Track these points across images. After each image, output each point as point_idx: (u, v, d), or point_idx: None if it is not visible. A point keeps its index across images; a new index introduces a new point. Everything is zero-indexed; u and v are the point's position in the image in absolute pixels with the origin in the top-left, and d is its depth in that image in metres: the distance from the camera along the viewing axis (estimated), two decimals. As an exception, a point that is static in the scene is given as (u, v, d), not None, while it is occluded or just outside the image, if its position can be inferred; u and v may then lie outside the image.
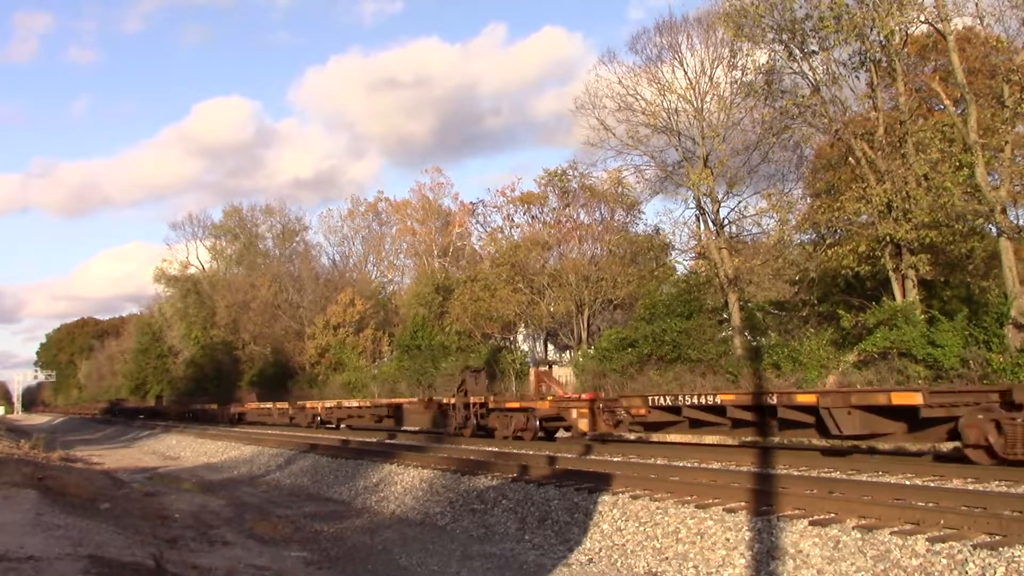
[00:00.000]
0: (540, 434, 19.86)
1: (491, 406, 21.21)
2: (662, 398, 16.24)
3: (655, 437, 18.37)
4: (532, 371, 27.80)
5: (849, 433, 12.59)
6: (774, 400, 13.95)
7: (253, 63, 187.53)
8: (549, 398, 20.04)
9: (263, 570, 8.23)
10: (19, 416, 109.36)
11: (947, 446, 12.49)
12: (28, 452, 22.10)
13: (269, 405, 37.35)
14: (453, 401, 22.40)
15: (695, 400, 15.48)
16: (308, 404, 32.92)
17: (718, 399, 15.07)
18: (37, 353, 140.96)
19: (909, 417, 12.10)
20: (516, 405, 20.84)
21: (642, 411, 16.65)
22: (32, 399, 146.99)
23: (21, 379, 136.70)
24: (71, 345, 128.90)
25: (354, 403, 29.80)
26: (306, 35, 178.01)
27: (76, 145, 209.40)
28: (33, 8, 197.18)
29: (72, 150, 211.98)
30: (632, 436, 18.56)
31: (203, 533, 10.55)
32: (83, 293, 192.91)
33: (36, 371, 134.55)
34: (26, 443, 27.30)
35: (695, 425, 15.79)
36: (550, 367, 28.39)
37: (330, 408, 30.72)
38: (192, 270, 70.84)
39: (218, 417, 42.44)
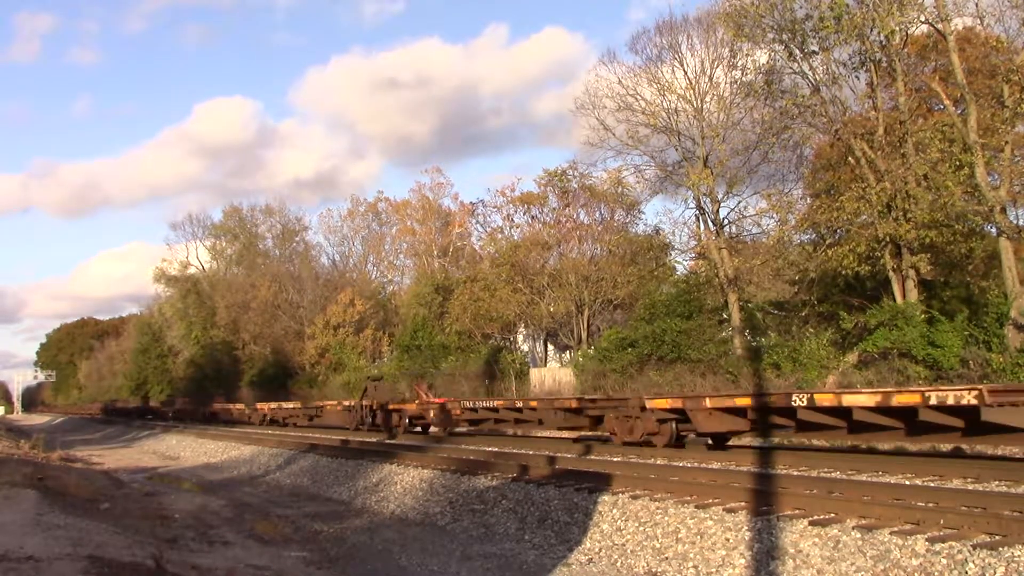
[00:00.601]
0: (413, 429, 25.32)
1: (376, 408, 26.90)
2: (469, 403, 22.44)
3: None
4: (412, 380, 34.90)
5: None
6: (519, 405, 20.25)
7: (254, 63, 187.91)
8: (416, 401, 25.16)
9: (263, 570, 8.23)
10: (19, 416, 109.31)
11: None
12: (28, 452, 22.11)
13: (232, 405, 44.32)
14: (356, 404, 28.21)
15: (491, 404, 21.62)
16: (259, 405, 38.62)
17: (517, 403, 20.57)
18: (37, 353, 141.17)
19: (579, 412, 17.84)
20: (393, 407, 26.41)
21: (458, 411, 22.36)
22: (32, 399, 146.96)
23: (21, 379, 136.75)
24: (71, 345, 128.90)
25: (290, 405, 35.98)
26: (307, 35, 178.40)
27: (77, 145, 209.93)
28: (35, 9, 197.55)
29: (73, 150, 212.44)
30: (464, 429, 23.33)
31: (203, 533, 10.55)
32: (83, 293, 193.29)
33: (36, 371, 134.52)
34: (26, 443, 27.31)
35: (498, 423, 21.46)
36: (423, 378, 34.56)
37: (274, 409, 36.52)
38: (192, 270, 70.89)
39: (195, 415, 48.15)
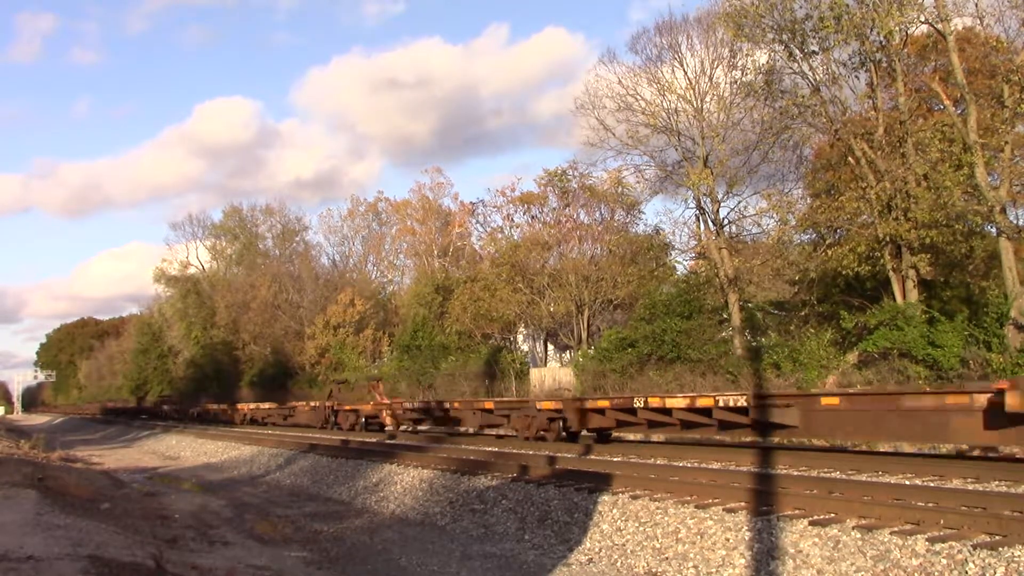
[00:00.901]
0: (370, 427, 27.99)
1: (337, 408, 30.28)
2: (410, 403, 26.37)
3: (654, 437, 19.28)
4: (369, 382, 38.07)
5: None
6: (447, 406, 23.66)
7: (255, 63, 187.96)
8: (371, 402, 28.33)
9: (263, 570, 8.24)
10: (19, 416, 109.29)
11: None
12: (28, 452, 22.12)
13: (215, 405, 47.25)
14: (320, 404, 31.73)
15: (421, 405, 25.57)
16: (239, 406, 41.55)
17: (445, 404, 23.87)
18: (37, 353, 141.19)
19: (492, 412, 20.77)
20: (349, 408, 29.76)
21: (400, 411, 25.91)
22: (32, 399, 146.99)
23: (21, 379, 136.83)
24: (71, 345, 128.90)
25: (267, 406, 38.48)
26: (308, 35, 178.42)
27: (78, 145, 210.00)
28: (36, 9, 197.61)
29: (74, 150, 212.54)
30: (424, 427, 26.40)
31: (203, 533, 10.56)
32: (83, 293, 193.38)
33: (36, 371, 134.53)
34: (26, 443, 27.31)
35: (440, 422, 24.50)
36: (379, 381, 36.53)
37: (253, 409, 39.27)
38: (192, 270, 70.88)
39: (184, 415, 50.54)
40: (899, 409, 11.85)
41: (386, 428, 27.02)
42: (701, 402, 14.62)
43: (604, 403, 17.29)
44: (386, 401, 28.01)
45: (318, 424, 30.32)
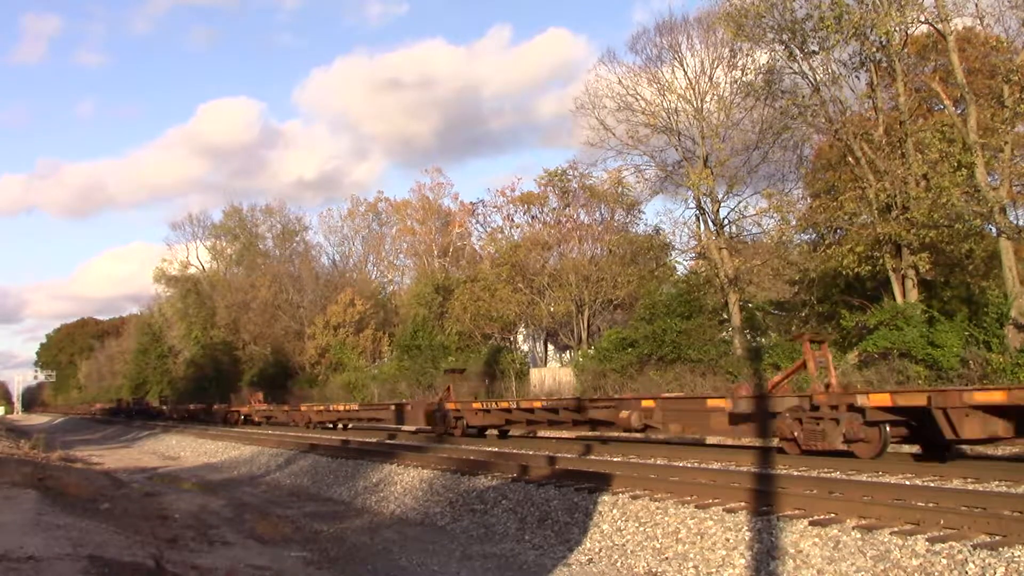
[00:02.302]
0: (315, 426, 31.88)
1: (286, 410, 36.22)
2: (326, 409, 32.02)
3: (653, 437, 19.09)
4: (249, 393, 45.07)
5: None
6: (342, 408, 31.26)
7: (258, 64, 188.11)
8: (306, 406, 34.25)
9: (263, 570, 8.24)
10: (19, 416, 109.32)
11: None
12: (28, 452, 22.13)
13: (198, 405, 50.06)
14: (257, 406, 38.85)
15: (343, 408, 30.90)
16: (215, 407, 45.86)
17: (341, 408, 30.88)
18: (37, 353, 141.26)
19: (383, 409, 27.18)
20: (285, 409, 36.57)
21: (317, 416, 31.85)
22: (32, 399, 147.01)
23: (21, 379, 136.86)
24: (71, 345, 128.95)
25: (222, 406, 44.43)
26: (311, 36, 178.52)
27: (81, 146, 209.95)
28: (41, 10, 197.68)
29: (77, 151, 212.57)
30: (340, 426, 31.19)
31: (203, 533, 10.56)
32: (84, 293, 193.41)
33: (36, 371, 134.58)
34: (26, 443, 27.32)
35: (345, 427, 30.83)
36: (258, 389, 45.67)
37: (235, 410, 42.63)
38: (192, 270, 70.90)
39: (173, 415, 52.31)
40: (681, 409, 16.13)
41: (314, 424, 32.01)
42: (535, 404, 20.12)
43: (491, 404, 21.76)
44: (261, 405, 36.38)
45: (230, 422, 34.06)
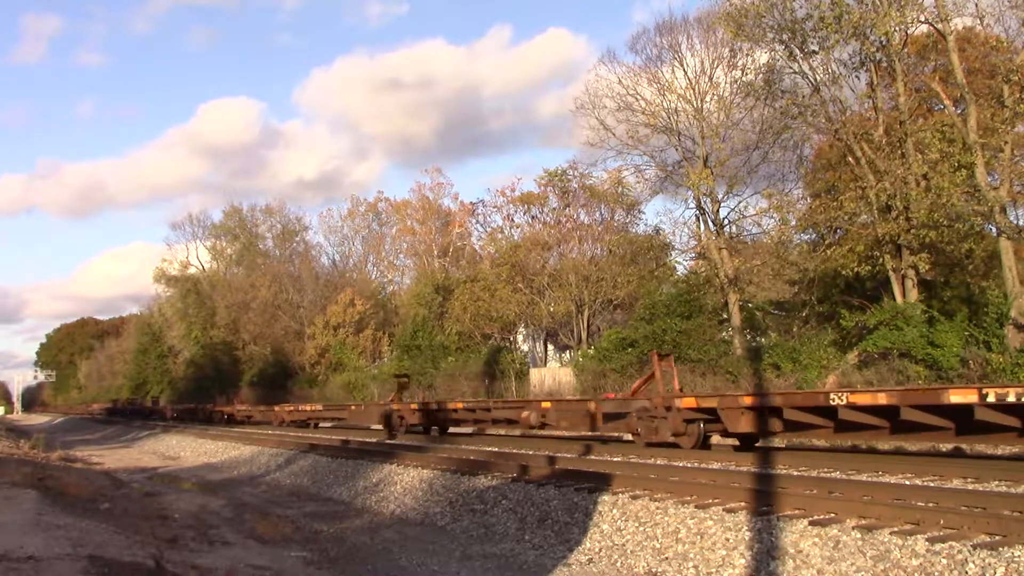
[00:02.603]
0: (287, 425, 34.19)
1: (262, 410, 39.02)
2: (296, 409, 34.92)
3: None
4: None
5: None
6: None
7: (259, 64, 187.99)
8: (279, 407, 36.31)
9: (263, 570, 8.24)
10: (19, 416, 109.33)
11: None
12: (28, 452, 22.13)
13: (187, 405, 52.29)
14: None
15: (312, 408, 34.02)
16: (203, 406, 47.67)
17: (308, 408, 34.27)
18: (37, 353, 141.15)
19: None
20: (261, 409, 39.28)
21: (289, 416, 34.39)
22: (32, 399, 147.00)
23: (21, 379, 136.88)
24: (71, 345, 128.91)
25: (237, 406, 44.26)
26: (312, 36, 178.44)
27: (81, 146, 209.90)
28: (42, 10, 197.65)
29: (77, 151, 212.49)
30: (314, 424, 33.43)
31: (203, 533, 10.56)
32: (84, 293, 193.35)
33: (36, 371, 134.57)
34: (26, 443, 27.33)
35: (316, 426, 33.10)
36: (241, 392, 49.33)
37: (220, 410, 44.84)
38: (192, 270, 70.89)
39: (165, 414, 54.30)
40: (571, 410, 19.08)
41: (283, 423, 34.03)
42: (453, 405, 23.81)
43: (415, 405, 25.46)
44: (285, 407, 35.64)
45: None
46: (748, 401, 14.40)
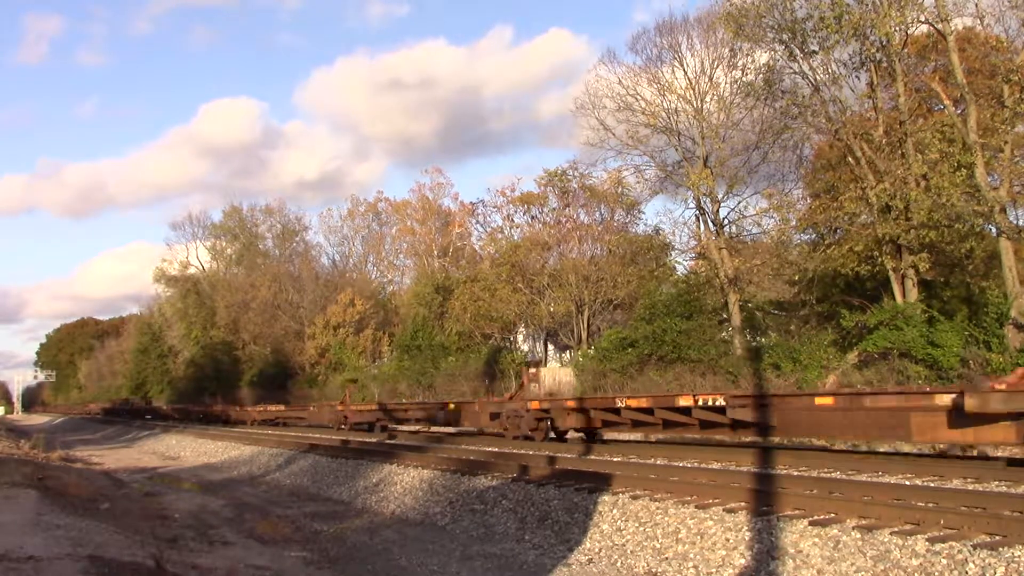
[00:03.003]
0: (258, 424, 37.43)
1: (238, 409, 43.20)
2: (264, 409, 39.02)
3: (652, 437, 19.59)
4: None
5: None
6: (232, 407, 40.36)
7: (260, 65, 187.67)
8: (251, 408, 41.02)
9: (263, 570, 8.24)
10: (19, 416, 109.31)
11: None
12: (28, 452, 22.13)
13: (179, 405, 56.28)
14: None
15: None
16: (193, 407, 51.87)
17: (274, 408, 38.99)
18: (37, 353, 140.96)
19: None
20: (237, 408, 43.91)
21: (259, 415, 38.47)
22: (32, 399, 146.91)
23: (21, 379, 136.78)
24: (71, 345, 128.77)
25: (219, 407, 48.42)
26: (313, 37, 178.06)
27: (82, 146, 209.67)
28: (43, 10, 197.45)
29: (78, 151, 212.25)
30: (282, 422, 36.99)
31: (203, 533, 10.56)
32: (84, 293, 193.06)
33: (36, 371, 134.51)
34: (26, 443, 27.33)
35: (285, 424, 36.50)
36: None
37: (203, 410, 49.08)
38: (192, 270, 70.86)
39: (158, 414, 57.19)
40: (471, 410, 23.26)
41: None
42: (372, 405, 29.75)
43: (370, 406, 29.88)
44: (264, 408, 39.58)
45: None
46: (571, 404, 18.44)
